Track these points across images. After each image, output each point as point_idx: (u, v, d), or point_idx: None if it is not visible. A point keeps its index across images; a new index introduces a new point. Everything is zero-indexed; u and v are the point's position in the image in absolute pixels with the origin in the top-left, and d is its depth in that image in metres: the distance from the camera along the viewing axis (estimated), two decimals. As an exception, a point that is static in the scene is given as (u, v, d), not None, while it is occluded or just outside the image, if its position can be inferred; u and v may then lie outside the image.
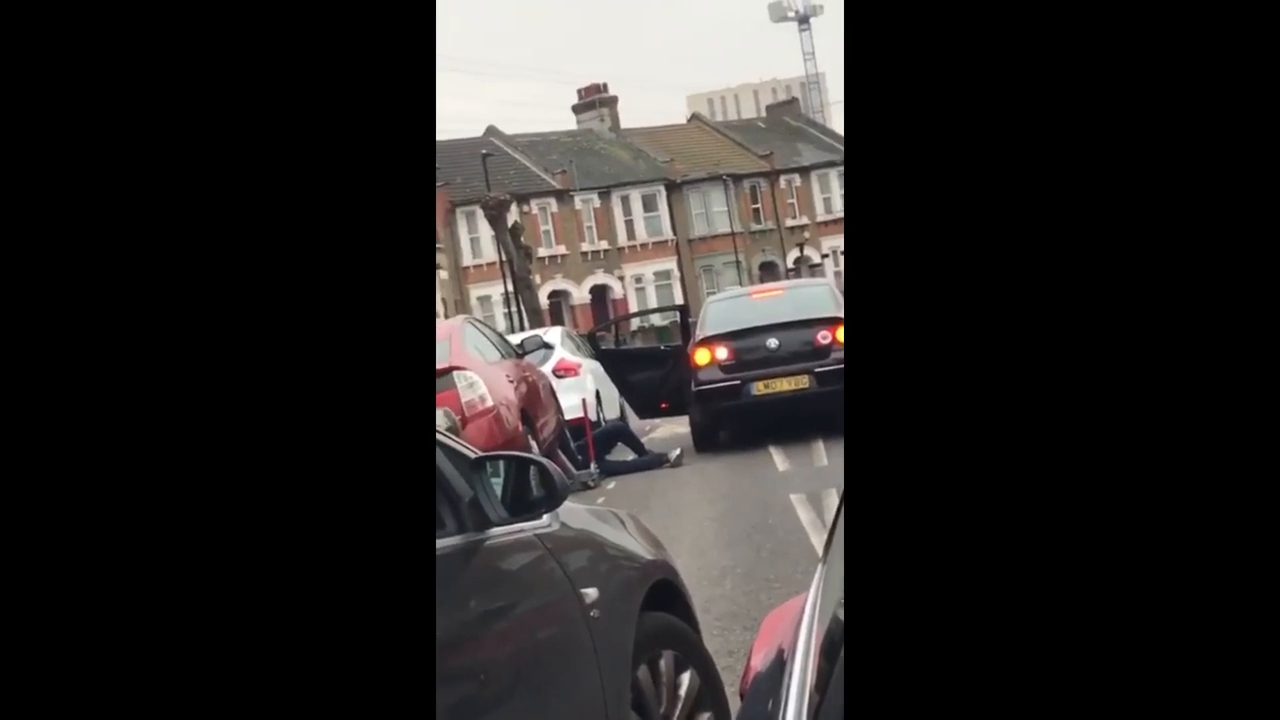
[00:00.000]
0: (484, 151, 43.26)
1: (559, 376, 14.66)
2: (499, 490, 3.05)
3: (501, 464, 3.16)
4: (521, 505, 3.06)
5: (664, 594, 3.63)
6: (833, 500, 8.56)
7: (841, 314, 13.16)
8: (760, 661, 1.81)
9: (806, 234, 55.24)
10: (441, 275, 41.39)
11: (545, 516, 3.17)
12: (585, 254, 50.00)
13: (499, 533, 2.96)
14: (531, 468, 3.12)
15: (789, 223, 55.47)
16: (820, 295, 14.16)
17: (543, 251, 46.82)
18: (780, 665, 1.56)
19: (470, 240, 46.53)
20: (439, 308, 35.83)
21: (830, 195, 56.84)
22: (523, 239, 33.31)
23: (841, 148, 58.31)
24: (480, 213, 36.63)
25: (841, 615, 1.33)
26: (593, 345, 16.10)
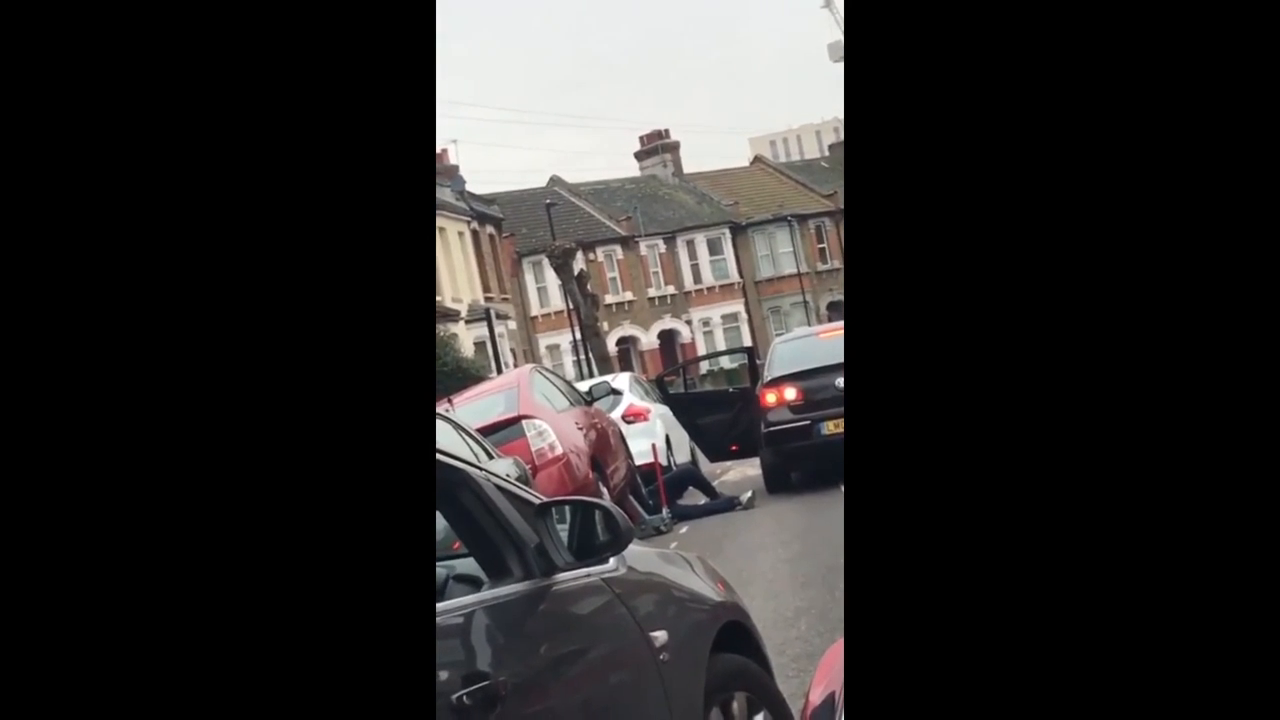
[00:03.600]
0: (548, 201, 43.54)
1: (628, 422, 14.66)
2: (565, 536, 3.06)
3: (566, 509, 3.18)
4: (587, 550, 3.07)
5: (735, 635, 3.61)
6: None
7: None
8: (817, 697, 1.81)
9: (873, 272, 54.84)
10: (510, 325, 41.62)
11: (612, 560, 3.18)
12: (652, 299, 50.08)
13: (566, 578, 2.97)
14: (596, 512, 3.13)
15: (855, 261, 55.11)
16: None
17: (610, 298, 46.99)
18: (833, 702, 1.56)
19: (537, 289, 46.80)
20: (509, 357, 36.02)
21: (896, 232, 56.40)
22: (589, 286, 33.48)
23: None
24: (546, 262, 36.86)
25: None
26: (661, 390, 16.11)
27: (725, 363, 37.34)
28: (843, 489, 9.56)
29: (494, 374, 23.88)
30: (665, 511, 12.30)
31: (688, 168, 56.82)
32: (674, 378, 18.46)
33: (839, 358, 13.07)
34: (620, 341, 47.77)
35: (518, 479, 8.09)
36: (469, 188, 42.33)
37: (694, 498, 13.22)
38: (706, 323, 50.78)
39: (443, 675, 2.37)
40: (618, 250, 49.77)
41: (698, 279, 51.13)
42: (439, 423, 8.23)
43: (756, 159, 64.43)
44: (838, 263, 54.66)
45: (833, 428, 12.57)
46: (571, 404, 11.79)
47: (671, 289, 50.55)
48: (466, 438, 8.95)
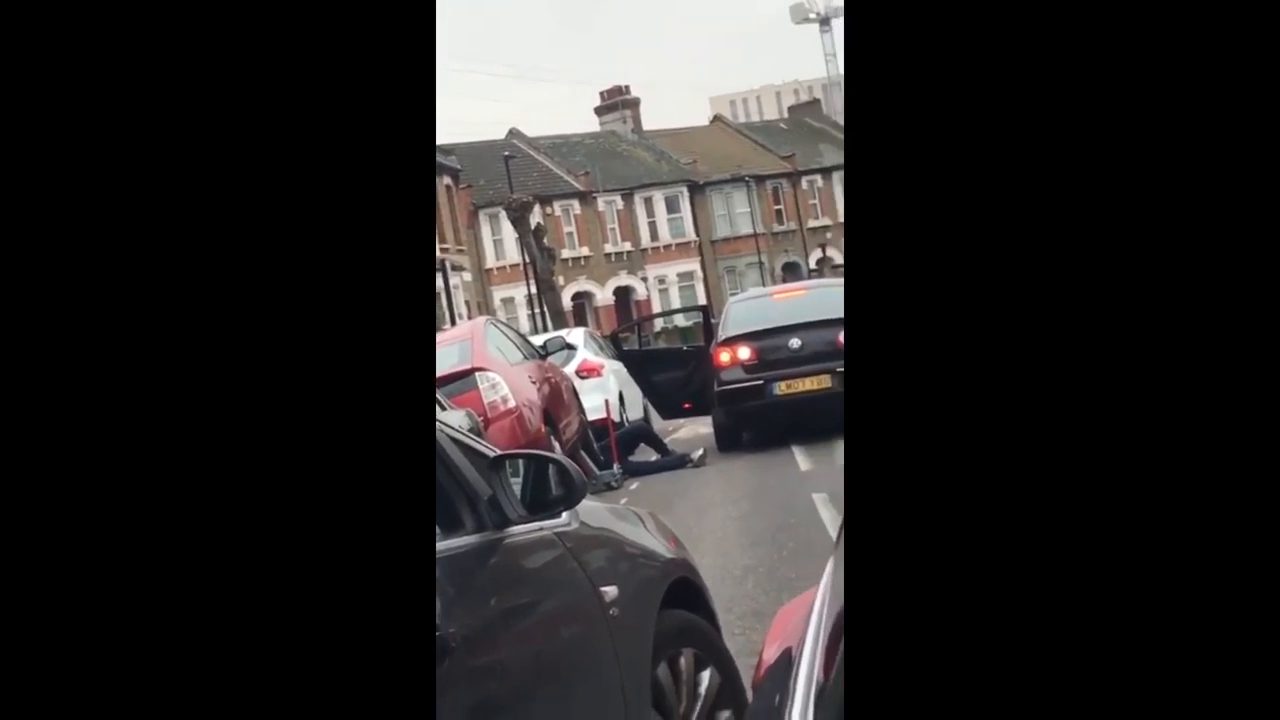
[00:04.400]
0: (507, 153, 43.25)
1: (582, 377, 14.68)
2: (518, 489, 3.06)
3: (520, 462, 3.18)
4: (540, 504, 3.06)
5: (684, 592, 3.63)
6: (855, 500, 8.53)
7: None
8: (771, 654, 1.83)
9: (829, 235, 55.04)
10: (465, 277, 41.44)
11: (564, 515, 3.18)
12: (608, 255, 50.01)
13: (518, 531, 2.97)
14: (550, 466, 3.12)
15: (811, 224, 55.35)
16: (842, 295, 14.11)
17: (566, 253, 46.88)
18: (789, 658, 1.57)
19: (494, 242, 46.62)
20: (463, 309, 35.89)
21: (853, 195, 56.58)
22: (546, 240, 33.35)
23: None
24: (503, 215, 36.72)
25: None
26: (615, 346, 16.13)
27: (680, 321, 37.39)
28: (793, 449, 9.66)
29: (448, 326, 23.79)
30: (616, 467, 12.34)
31: (647, 125, 56.66)
32: (628, 334, 18.49)
33: (793, 319, 13.15)
34: (575, 297, 47.71)
35: (470, 430, 8.07)
36: (427, 137, 41.90)
37: (645, 454, 13.27)
38: (662, 280, 50.80)
39: (393, 625, 2.37)
40: (575, 205, 49.61)
41: (654, 236, 51.09)
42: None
43: (716, 118, 64.32)
44: (793, 224, 54.78)
45: (785, 388, 12.65)
46: (525, 357, 11.77)
47: (628, 246, 50.49)
48: (419, 389, 8.92)
